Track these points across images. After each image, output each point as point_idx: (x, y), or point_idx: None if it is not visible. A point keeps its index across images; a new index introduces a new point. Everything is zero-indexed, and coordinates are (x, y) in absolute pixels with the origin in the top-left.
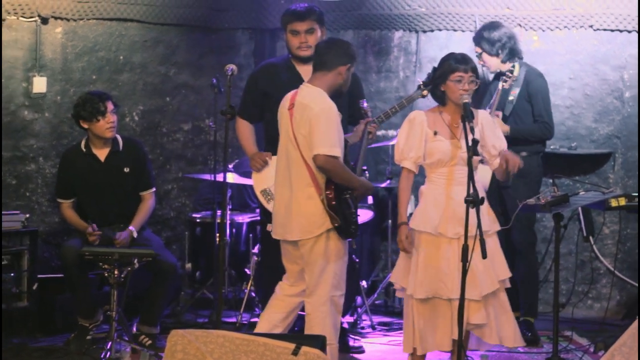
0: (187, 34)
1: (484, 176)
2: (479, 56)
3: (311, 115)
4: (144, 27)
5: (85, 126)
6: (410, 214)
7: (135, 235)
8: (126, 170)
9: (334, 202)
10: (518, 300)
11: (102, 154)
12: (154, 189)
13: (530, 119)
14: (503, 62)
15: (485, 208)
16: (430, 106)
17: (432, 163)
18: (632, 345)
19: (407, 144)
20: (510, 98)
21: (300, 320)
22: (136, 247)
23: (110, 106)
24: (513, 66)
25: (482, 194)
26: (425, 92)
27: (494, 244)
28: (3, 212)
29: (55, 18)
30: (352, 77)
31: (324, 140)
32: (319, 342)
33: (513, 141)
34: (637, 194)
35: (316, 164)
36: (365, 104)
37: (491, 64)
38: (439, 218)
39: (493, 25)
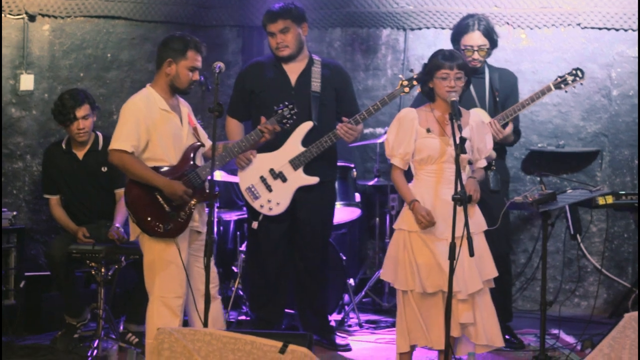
0: (174, 31)
1: None
2: (484, 50)
3: None
4: (131, 25)
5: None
6: (398, 212)
7: (122, 230)
8: (104, 169)
9: (128, 200)
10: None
11: (80, 152)
12: None
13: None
14: (488, 56)
15: (473, 207)
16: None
17: (421, 159)
18: (621, 341)
19: (397, 140)
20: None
21: (287, 318)
22: (123, 245)
23: (81, 112)
24: (579, 69)
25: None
26: (407, 89)
27: (481, 243)
28: None
29: (43, 15)
30: (339, 73)
31: (114, 135)
32: (306, 340)
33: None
34: (624, 192)
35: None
36: (281, 107)
37: (484, 59)
38: None
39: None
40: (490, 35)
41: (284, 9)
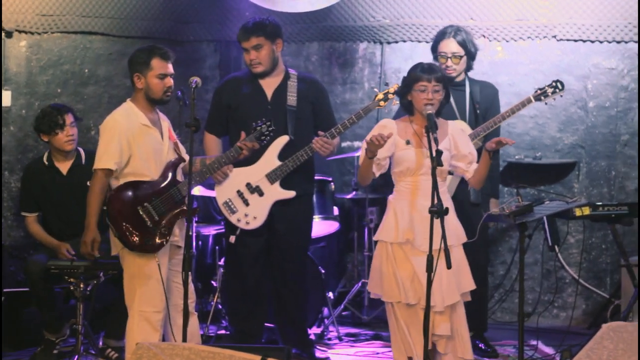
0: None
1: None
2: (458, 57)
3: None
4: (108, 40)
5: (46, 139)
6: (376, 225)
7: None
8: (89, 183)
9: (110, 214)
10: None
11: (64, 167)
12: None
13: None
14: (468, 68)
15: (452, 219)
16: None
17: (400, 172)
18: (598, 351)
19: None
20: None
21: (267, 332)
22: (102, 261)
23: (69, 119)
24: (559, 82)
25: (448, 204)
26: (382, 103)
27: (460, 256)
28: None
29: (20, 31)
30: (315, 87)
31: (98, 153)
32: (284, 353)
33: None
34: (601, 203)
35: None
36: (259, 124)
37: (460, 69)
38: (405, 228)
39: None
40: (466, 46)
41: (257, 26)
